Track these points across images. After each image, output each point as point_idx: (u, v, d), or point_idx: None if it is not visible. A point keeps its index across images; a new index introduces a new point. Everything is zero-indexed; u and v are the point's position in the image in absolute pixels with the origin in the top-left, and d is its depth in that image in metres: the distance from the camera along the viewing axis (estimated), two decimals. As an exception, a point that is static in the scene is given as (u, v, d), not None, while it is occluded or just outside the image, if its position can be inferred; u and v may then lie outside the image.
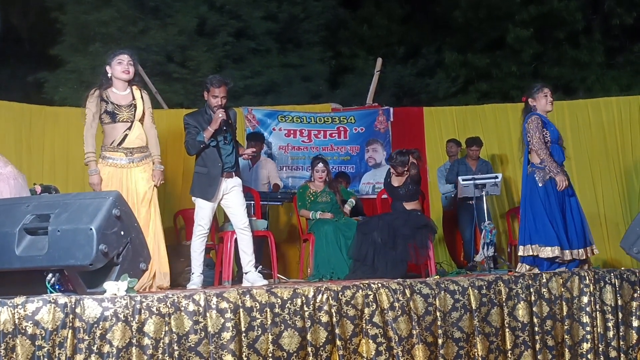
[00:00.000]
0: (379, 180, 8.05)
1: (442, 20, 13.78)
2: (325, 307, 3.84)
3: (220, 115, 5.09)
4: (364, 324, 3.93)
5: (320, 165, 6.56)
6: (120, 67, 4.87)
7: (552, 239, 5.05)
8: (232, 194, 5.24)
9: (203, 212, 5.19)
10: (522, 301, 4.26)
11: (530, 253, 5.11)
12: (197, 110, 5.52)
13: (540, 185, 5.16)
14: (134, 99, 4.93)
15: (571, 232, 5.13)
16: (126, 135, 4.86)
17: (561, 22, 12.79)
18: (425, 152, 8.39)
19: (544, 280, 4.36)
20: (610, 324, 4.38)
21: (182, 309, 3.56)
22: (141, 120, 4.96)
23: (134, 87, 4.97)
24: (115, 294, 3.53)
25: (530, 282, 4.33)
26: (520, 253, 5.20)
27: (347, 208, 6.55)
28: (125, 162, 4.87)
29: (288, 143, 8.23)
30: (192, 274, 5.19)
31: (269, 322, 3.71)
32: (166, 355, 3.47)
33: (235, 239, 5.44)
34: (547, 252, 5.04)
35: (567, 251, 5.06)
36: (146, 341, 3.44)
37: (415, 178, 6.25)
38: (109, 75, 4.89)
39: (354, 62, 13.54)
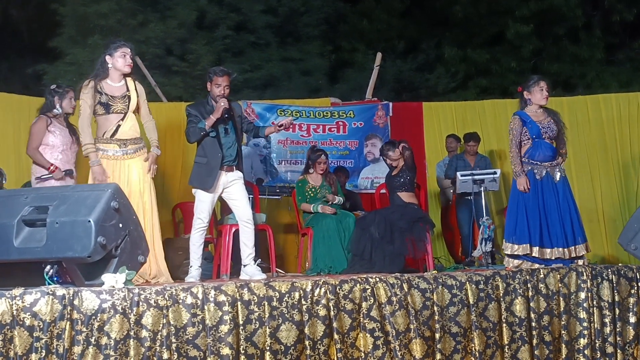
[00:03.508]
0: (377, 175, 8.04)
1: (442, 15, 13.76)
2: (323, 301, 3.84)
3: (222, 103, 5.09)
4: (361, 318, 3.94)
5: (323, 157, 6.61)
6: (124, 60, 4.85)
7: (524, 237, 5.10)
8: (234, 187, 5.24)
9: (202, 205, 5.19)
10: (520, 296, 4.27)
11: (508, 252, 5.19)
12: (199, 101, 5.52)
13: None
14: (128, 90, 4.90)
15: (555, 230, 5.13)
16: (119, 126, 4.83)
17: (561, 18, 12.78)
18: (425, 147, 8.38)
19: (542, 275, 4.37)
20: (607, 320, 4.38)
21: (180, 301, 3.56)
22: (135, 111, 4.94)
23: (128, 79, 4.94)
24: (114, 286, 3.54)
25: (527, 277, 4.33)
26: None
27: (335, 198, 6.54)
28: (119, 153, 4.84)
29: (287, 137, 8.21)
30: (191, 267, 5.19)
31: (266, 316, 3.71)
32: (164, 347, 3.47)
33: (234, 233, 5.44)
34: (517, 249, 5.11)
35: (547, 250, 5.09)
36: (144, 333, 3.45)
37: (409, 161, 6.24)
38: (109, 65, 4.86)
39: (353, 57, 13.52)
